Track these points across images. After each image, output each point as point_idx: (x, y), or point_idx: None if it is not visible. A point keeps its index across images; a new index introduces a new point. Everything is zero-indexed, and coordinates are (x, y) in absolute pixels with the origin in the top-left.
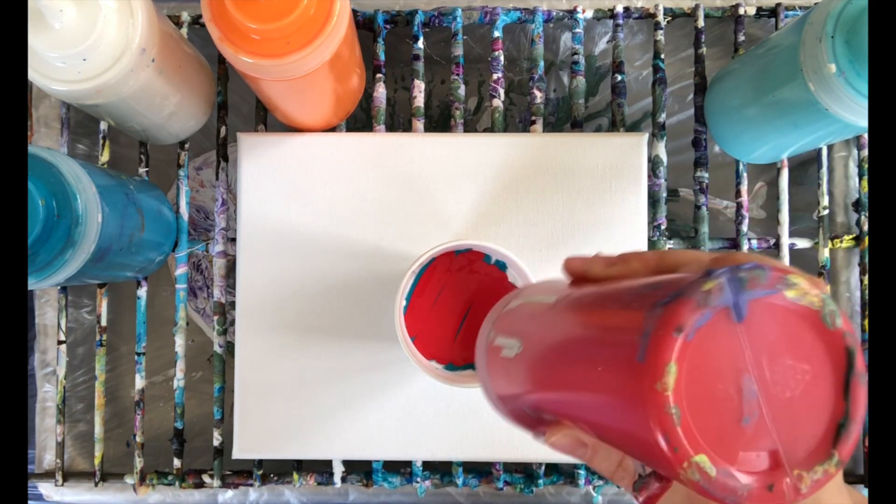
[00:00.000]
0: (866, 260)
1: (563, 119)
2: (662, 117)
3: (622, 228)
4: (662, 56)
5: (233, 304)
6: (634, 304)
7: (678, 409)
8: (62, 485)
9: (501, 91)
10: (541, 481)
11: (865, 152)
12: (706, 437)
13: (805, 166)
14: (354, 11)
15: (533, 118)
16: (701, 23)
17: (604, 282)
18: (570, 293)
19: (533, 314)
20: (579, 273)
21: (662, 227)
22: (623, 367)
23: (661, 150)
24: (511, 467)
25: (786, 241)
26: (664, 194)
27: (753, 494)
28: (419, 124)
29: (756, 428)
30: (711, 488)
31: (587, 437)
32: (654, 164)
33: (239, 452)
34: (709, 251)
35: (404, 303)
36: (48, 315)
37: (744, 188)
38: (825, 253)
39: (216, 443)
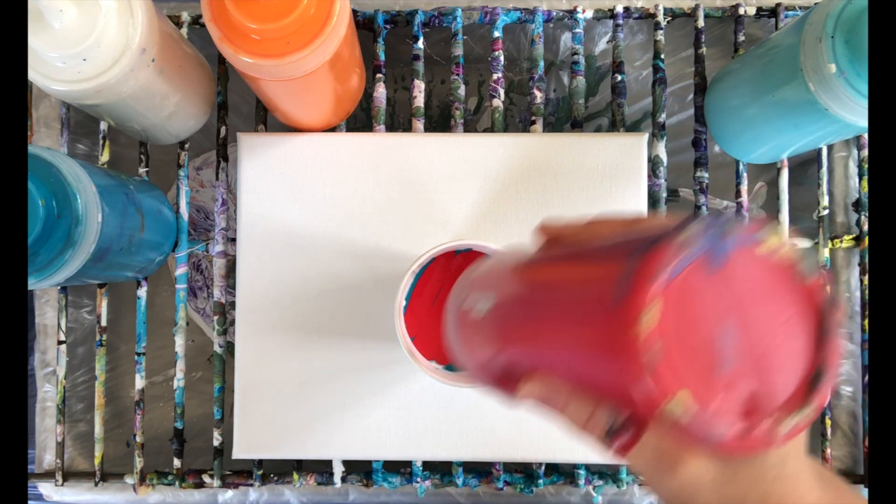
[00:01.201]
0: (866, 260)
1: (563, 119)
2: (662, 117)
3: None
4: (662, 56)
5: (233, 304)
6: (613, 251)
7: (658, 348)
8: (62, 485)
9: (501, 91)
10: (541, 481)
11: (865, 152)
12: (684, 378)
13: (805, 166)
14: (354, 11)
15: (533, 118)
16: (701, 23)
17: (577, 241)
18: (543, 251)
19: (505, 273)
20: (553, 234)
21: None
22: (598, 312)
23: (661, 150)
24: (511, 467)
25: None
26: (664, 194)
27: (729, 438)
28: (419, 124)
29: (734, 373)
30: (687, 430)
31: (560, 387)
32: (654, 164)
33: (239, 452)
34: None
35: (404, 303)
36: (48, 315)
37: (744, 188)
38: (825, 253)
39: (216, 443)
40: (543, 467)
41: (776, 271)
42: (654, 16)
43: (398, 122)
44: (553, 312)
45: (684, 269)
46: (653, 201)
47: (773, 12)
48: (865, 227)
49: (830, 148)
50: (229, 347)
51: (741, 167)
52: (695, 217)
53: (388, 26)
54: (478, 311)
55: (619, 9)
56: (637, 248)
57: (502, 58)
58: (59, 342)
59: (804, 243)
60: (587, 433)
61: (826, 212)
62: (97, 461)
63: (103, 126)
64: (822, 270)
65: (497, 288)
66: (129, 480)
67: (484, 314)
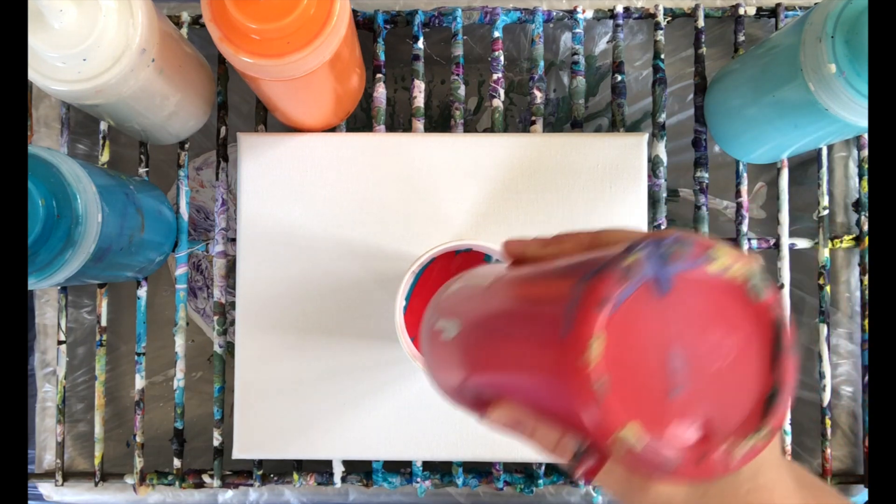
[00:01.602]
0: (866, 260)
1: (563, 119)
2: (662, 117)
3: None
4: (662, 56)
5: (233, 304)
6: (561, 280)
7: (604, 381)
8: (62, 485)
9: (501, 91)
10: (541, 481)
11: (865, 152)
12: (634, 409)
13: (805, 166)
14: (354, 11)
15: (533, 118)
16: (701, 23)
17: (539, 262)
18: (506, 273)
19: (470, 295)
20: (517, 254)
21: (662, 228)
22: (549, 342)
23: (661, 150)
24: (511, 467)
25: (786, 241)
26: (664, 194)
27: (684, 465)
28: (419, 124)
29: (685, 399)
30: (641, 459)
31: (526, 414)
32: (654, 164)
33: (239, 452)
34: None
35: (404, 303)
36: (48, 315)
37: (744, 188)
38: (825, 253)
39: (216, 443)
40: (543, 467)
41: (726, 291)
42: (654, 16)
43: (398, 122)
44: (513, 339)
45: (629, 296)
46: (653, 201)
47: (773, 12)
48: (865, 227)
49: (830, 148)
50: (229, 347)
51: (741, 167)
52: (642, 239)
53: (388, 26)
54: (446, 334)
55: (619, 9)
56: (585, 275)
57: (502, 58)
58: (59, 342)
59: (803, 243)
60: (556, 457)
61: (826, 212)
62: (97, 461)
63: (103, 126)
64: (776, 287)
65: (462, 312)
66: (129, 480)
67: (452, 338)
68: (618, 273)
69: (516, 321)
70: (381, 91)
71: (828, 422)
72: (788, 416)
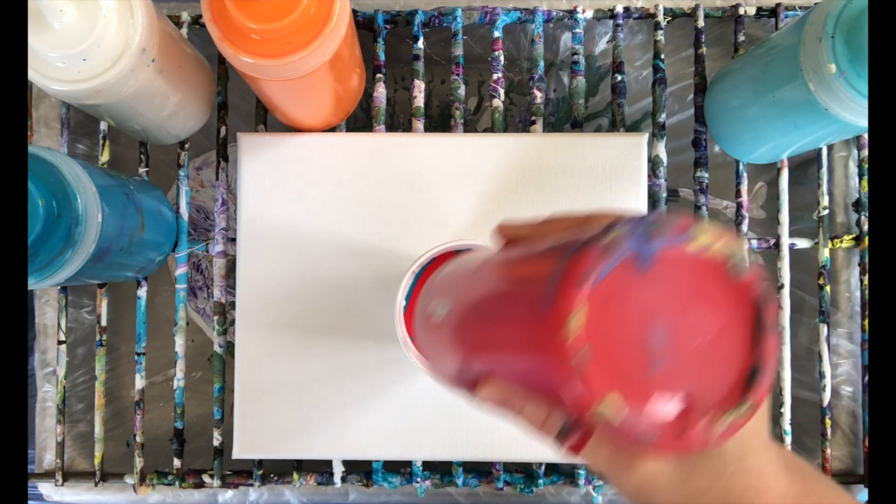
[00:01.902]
0: (866, 260)
1: (563, 119)
2: (662, 117)
3: None
4: (662, 56)
5: (233, 304)
6: (545, 259)
7: (584, 353)
8: (62, 485)
9: (501, 91)
10: (541, 481)
11: (865, 152)
12: (614, 382)
13: (805, 166)
14: (354, 11)
15: (533, 118)
16: (701, 23)
17: (528, 243)
18: (492, 256)
19: (460, 277)
20: (509, 236)
21: None
22: (532, 318)
23: (661, 150)
24: (511, 467)
25: (786, 241)
26: (664, 194)
27: (663, 438)
28: (419, 124)
29: (665, 374)
30: (620, 432)
31: (514, 392)
32: (654, 164)
33: (239, 452)
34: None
35: (404, 303)
36: (48, 315)
37: (744, 188)
38: (825, 253)
39: (216, 443)
40: (543, 467)
41: (708, 269)
42: (654, 16)
43: (398, 122)
44: (499, 316)
45: (611, 271)
46: (653, 201)
47: (773, 12)
48: (865, 227)
49: (830, 148)
50: (229, 347)
51: (741, 167)
52: (624, 218)
53: (388, 26)
54: (437, 316)
55: (619, 9)
56: (568, 251)
57: (502, 58)
58: (59, 342)
59: (803, 243)
60: (544, 434)
61: (826, 212)
62: (97, 461)
63: (103, 126)
64: (757, 265)
65: (452, 293)
66: (129, 480)
67: (442, 319)
68: (598, 249)
69: (502, 299)
70: (381, 91)
71: (828, 422)
72: (788, 416)
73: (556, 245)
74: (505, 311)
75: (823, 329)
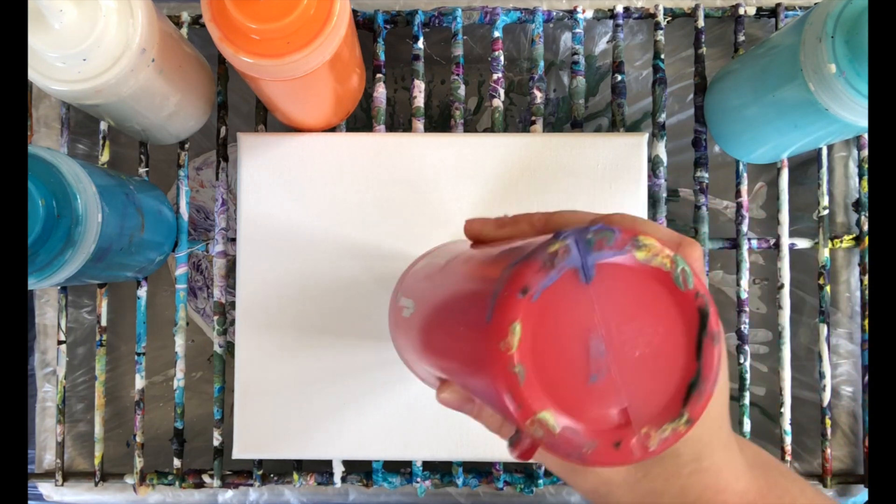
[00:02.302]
0: (866, 260)
1: (563, 119)
2: (662, 117)
3: None
4: (662, 56)
5: (233, 304)
6: (496, 264)
7: (522, 368)
8: (62, 485)
9: (501, 91)
10: (541, 481)
11: (865, 152)
12: (552, 394)
13: (805, 166)
14: (354, 11)
15: (533, 118)
16: (701, 23)
17: (494, 243)
18: (459, 255)
19: (426, 275)
20: (475, 235)
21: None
22: (476, 327)
23: (661, 150)
24: (511, 467)
25: (786, 241)
26: (664, 194)
27: (599, 450)
28: (419, 124)
29: (604, 386)
30: (556, 444)
31: (470, 397)
32: (654, 164)
33: (239, 452)
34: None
35: None
36: (48, 315)
37: (744, 188)
38: (825, 253)
39: (216, 443)
40: (543, 467)
41: (650, 280)
42: (654, 16)
43: (398, 122)
44: (453, 319)
45: (552, 284)
46: (653, 201)
47: (773, 12)
48: (865, 227)
49: (830, 148)
50: (229, 347)
51: (741, 167)
52: (570, 228)
53: (388, 26)
54: (406, 312)
55: (619, 9)
56: (512, 262)
57: (502, 58)
58: (59, 342)
59: (803, 243)
60: (502, 438)
61: (826, 212)
62: (97, 461)
63: (103, 126)
64: (701, 276)
65: (416, 292)
66: (129, 480)
67: (408, 317)
68: (541, 260)
69: (457, 303)
70: (381, 91)
71: (828, 422)
72: (788, 416)
73: (507, 251)
74: (458, 317)
75: (823, 329)
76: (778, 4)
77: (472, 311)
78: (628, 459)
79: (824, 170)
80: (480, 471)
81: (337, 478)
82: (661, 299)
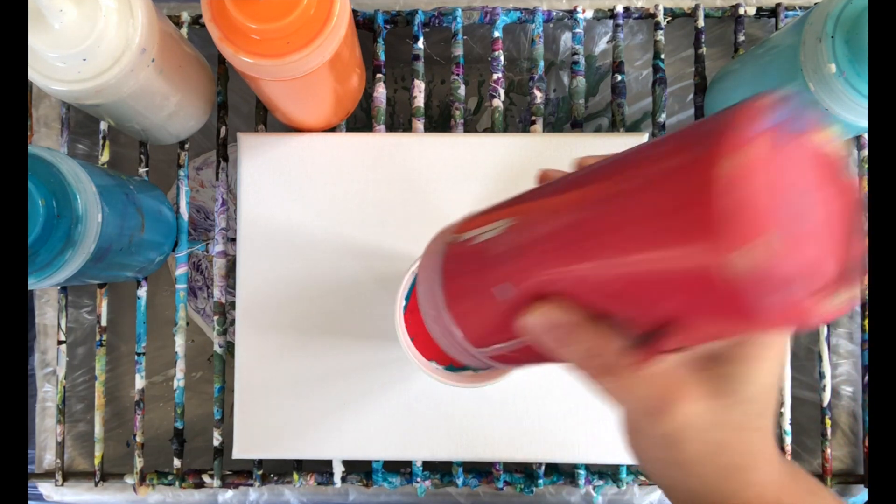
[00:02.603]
0: (866, 260)
1: (563, 119)
2: (662, 117)
3: None
4: (662, 56)
5: (233, 304)
6: (689, 132)
7: (753, 185)
8: (62, 485)
9: (501, 91)
10: (541, 481)
11: (865, 152)
12: (774, 223)
13: None
14: (354, 11)
15: (533, 118)
16: (701, 23)
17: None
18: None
19: (529, 196)
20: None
21: None
22: (685, 165)
23: None
24: (511, 467)
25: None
26: None
27: (797, 298)
28: (419, 124)
29: (809, 233)
30: (767, 277)
31: (572, 313)
32: None
33: (239, 452)
34: None
35: (404, 303)
36: (48, 315)
37: None
38: None
39: (216, 443)
40: (543, 467)
41: (826, 162)
42: (654, 16)
43: (398, 122)
44: (610, 210)
45: (775, 125)
46: None
47: (773, 12)
48: (866, 228)
49: None
50: (229, 347)
51: None
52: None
53: (388, 26)
54: (486, 236)
55: (619, 9)
56: (729, 110)
57: (502, 58)
58: (59, 342)
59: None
60: (590, 362)
61: None
62: (97, 461)
63: (103, 126)
64: (856, 172)
65: (521, 212)
66: (129, 480)
67: (498, 233)
68: (767, 103)
69: (618, 185)
70: (381, 91)
71: (828, 422)
72: (788, 415)
73: (678, 136)
74: (620, 203)
75: (823, 329)
76: (778, 4)
77: (654, 176)
78: (812, 317)
79: None
80: (480, 471)
81: (337, 478)
82: (832, 181)
